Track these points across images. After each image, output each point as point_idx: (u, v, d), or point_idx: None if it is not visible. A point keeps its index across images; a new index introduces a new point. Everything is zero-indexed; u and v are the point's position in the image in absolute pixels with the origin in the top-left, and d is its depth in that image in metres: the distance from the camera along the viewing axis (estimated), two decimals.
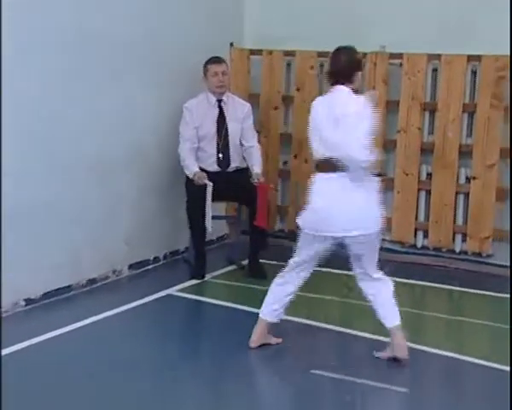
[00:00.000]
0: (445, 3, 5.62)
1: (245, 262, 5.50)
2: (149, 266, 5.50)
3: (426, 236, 5.77)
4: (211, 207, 5.14)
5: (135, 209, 5.32)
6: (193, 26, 5.65)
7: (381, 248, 5.76)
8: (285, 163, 6.18)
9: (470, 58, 5.45)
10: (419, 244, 5.81)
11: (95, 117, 4.86)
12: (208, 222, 5.15)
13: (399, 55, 5.67)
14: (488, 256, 5.62)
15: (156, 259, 5.57)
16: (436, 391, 3.76)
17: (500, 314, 4.77)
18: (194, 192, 5.20)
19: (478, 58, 5.43)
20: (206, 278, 5.28)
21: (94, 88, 4.83)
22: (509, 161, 5.46)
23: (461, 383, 3.93)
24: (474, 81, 5.54)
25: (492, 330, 4.56)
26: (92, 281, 5.00)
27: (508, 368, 3.89)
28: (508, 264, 5.51)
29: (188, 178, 5.28)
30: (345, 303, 4.89)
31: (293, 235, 6.10)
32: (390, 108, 5.76)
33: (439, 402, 3.67)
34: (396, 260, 5.72)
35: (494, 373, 3.91)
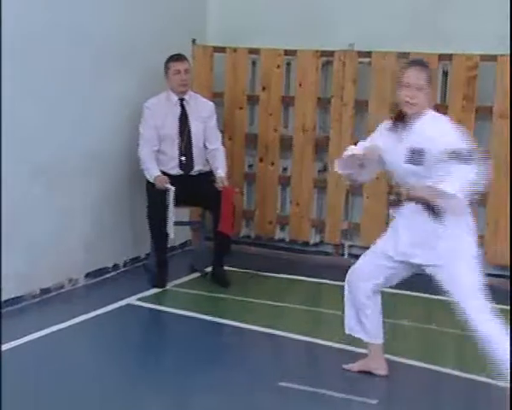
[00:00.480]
0: (415, 3, 5.56)
1: (209, 270, 5.40)
2: (108, 275, 5.35)
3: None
4: (173, 213, 5.01)
5: (93, 215, 5.15)
6: (153, 22, 5.52)
7: (349, 255, 5.86)
8: (250, 166, 6.06)
9: (441, 57, 5.38)
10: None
11: (50, 119, 4.69)
12: (170, 228, 5.04)
13: (368, 54, 5.58)
14: None
15: (115, 266, 5.43)
16: (406, 402, 3.67)
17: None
18: (155, 197, 5.07)
19: (449, 57, 5.36)
20: (167, 287, 5.17)
21: (48, 88, 4.65)
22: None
23: (433, 395, 3.83)
24: (446, 81, 5.47)
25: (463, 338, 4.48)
26: (45, 291, 4.81)
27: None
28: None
29: (148, 182, 5.15)
30: (312, 312, 4.79)
31: (259, 241, 6.08)
32: (359, 108, 5.66)
33: None
34: None
35: (466, 383, 3.84)
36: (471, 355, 4.02)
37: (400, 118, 3.56)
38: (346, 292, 3.80)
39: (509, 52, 5.18)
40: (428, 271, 3.58)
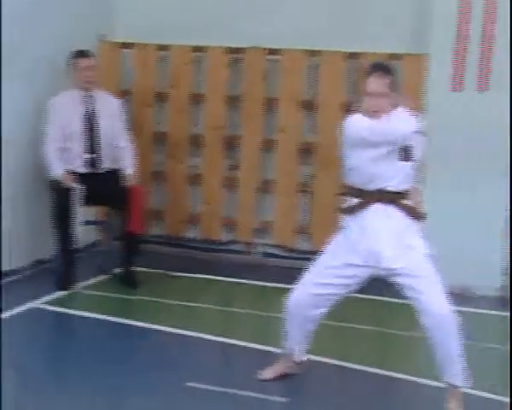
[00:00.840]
0: (324, 2, 5.65)
1: (118, 271, 5.33)
2: (11, 278, 5.19)
3: (307, 238, 5.75)
4: (79, 212, 4.91)
5: None
6: (58, 17, 5.40)
7: (260, 253, 5.89)
8: (159, 164, 6.02)
9: (349, 55, 5.48)
10: (300, 247, 5.78)
11: None
12: (77, 228, 4.93)
13: (278, 51, 5.63)
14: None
15: (18, 270, 5.27)
16: (317, 400, 3.70)
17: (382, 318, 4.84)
18: (60, 196, 4.97)
19: (357, 56, 5.47)
20: (74, 289, 5.08)
21: None
22: None
23: (345, 392, 3.89)
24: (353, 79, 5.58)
25: (380, 335, 4.59)
26: None
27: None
28: None
29: (53, 180, 5.05)
30: (225, 312, 4.80)
31: (170, 240, 6.03)
32: (268, 106, 5.70)
33: None
34: (278, 264, 5.68)
35: (380, 379, 3.92)
36: (391, 353, 4.15)
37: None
38: (289, 319, 3.65)
39: (415, 51, 5.33)
40: (394, 273, 3.48)
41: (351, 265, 3.50)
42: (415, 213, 3.48)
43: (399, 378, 3.87)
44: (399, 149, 3.42)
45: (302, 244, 5.76)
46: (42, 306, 4.73)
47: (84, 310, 4.71)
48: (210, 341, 4.30)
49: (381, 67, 3.49)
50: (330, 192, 5.62)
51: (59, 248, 5.14)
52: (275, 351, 3.91)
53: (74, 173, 5.05)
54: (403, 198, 3.48)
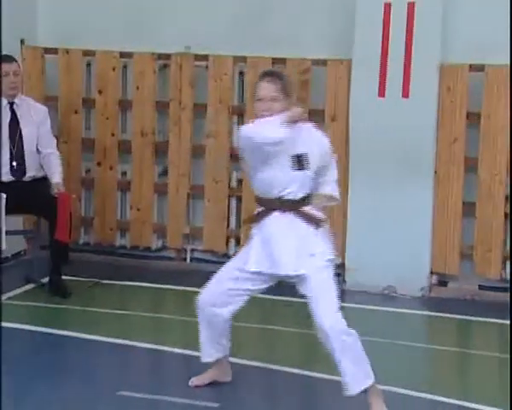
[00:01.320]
0: (247, 4, 5.70)
1: (45, 280, 5.26)
2: None
3: (238, 243, 5.81)
4: (4, 222, 4.82)
5: None
6: None
7: (191, 259, 5.91)
8: (88, 171, 5.97)
9: (275, 61, 5.57)
10: (231, 252, 5.84)
11: None
12: (2, 239, 4.83)
13: (205, 57, 5.67)
14: None
15: None
16: (248, 404, 3.76)
17: (309, 321, 4.92)
18: None
19: (283, 61, 5.56)
20: (1, 300, 4.93)
21: None
22: None
23: (276, 395, 3.95)
24: None
25: (299, 337, 4.65)
26: None
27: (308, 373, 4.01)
28: None
29: None
30: (156, 319, 4.80)
31: (99, 248, 5.98)
32: (197, 111, 5.74)
33: None
34: (209, 270, 5.70)
35: (307, 381, 4.00)
36: (318, 355, 4.21)
37: None
38: (202, 320, 3.68)
39: (338, 57, 5.45)
40: (296, 280, 3.56)
41: (253, 272, 3.57)
42: (314, 220, 3.56)
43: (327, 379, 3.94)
44: (292, 157, 3.50)
45: (233, 249, 5.83)
46: None
47: (11, 321, 4.56)
48: (141, 348, 4.30)
49: (271, 74, 3.58)
50: None
51: None
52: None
53: None
54: (302, 205, 3.55)
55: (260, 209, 3.61)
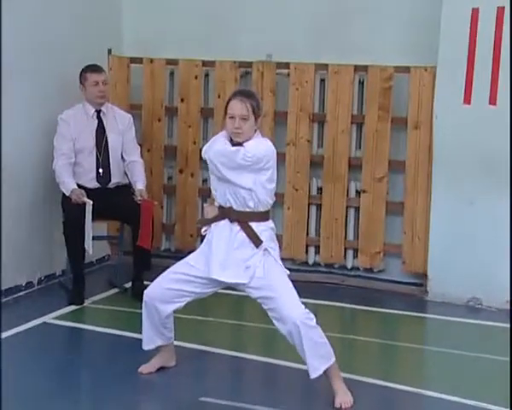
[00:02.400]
0: (328, 13, 5.69)
1: (128, 285, 5.37)
2: (22, 293, 5.25)
3: (317, 252, 5.80)
4: (91, 227, 4.96)
5: (5, 231, 5.02)
6: (67, 31, 5.47)
7: None
8: (170, 178, 6.07)
9: (357, 68, 5.55)
10: (310, 261, 5.83)
11: None
12: (88, 243, 4.98)
13: (286, 65, 5.69)
14: (380, 272, 5.70)
15: (29, 284, 5.33)
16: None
17: (390, 331, 4.92)
18: (71, 211, 5.02)
19: (365, 68, 5.53)
20: (85, 304, 5.12)
21: None
22: (395, 174, 5.58)
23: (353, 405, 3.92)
24: (362, 92, 5.64)
25: (383, 347, 4.62)
26: None
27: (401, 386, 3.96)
28: (399, 279, 5.65)
29: (65, 196, 5.10)
30: (234, 325, 4.84)
31: (180, 254, 6.06)
32: (278, 119, 5.76)
33: None
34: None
35: (388, 392, 3.95)
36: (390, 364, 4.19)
37: (236, 145, 3.71)
38: (144, 311, 3.93)
39: (422, 64, 5.38)
40: (246, 288, 3.75)
41: (197, 275, 3.79)
42: (253, 236, 3.69)
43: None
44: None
45: (313, 258, 5.81)
46: (52, 321, 4.78)
47: (95, 324, 4.75)
48: (222, 355, 4.34)
49: (243, 93, 3.71)
50: (338, 205, 5.70)
51: (70, 263, 5.20)
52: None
53: (85, 188, 5.10)
54: (251, 219, 3.69)
55: (213, 216, 3.80)
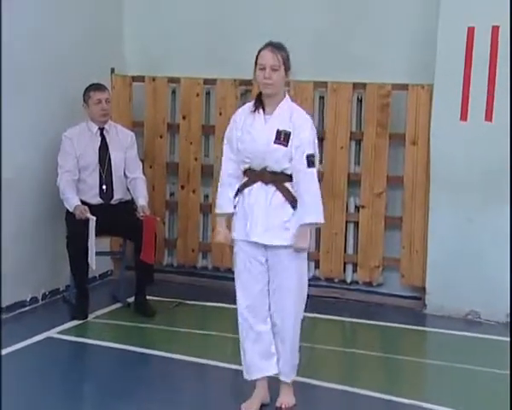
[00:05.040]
0: (327, 32, 5.73)
1: (131, 299, 5.38)
2: (26, 308, 5.25)
3: (317, 266, 5.80)
4: (94, 243, 4.97)
5: (8, 247, 5.03)
6: (71, 51, 5.51)
7: None
8: (172, 194, 6.09)
9: (356, 86, 5.58)
10: (310, 275, 5.83)
11: None
12: (92, 259, 5.00)
13: (287, 83, 5.68)
14: (379, 285, 5.71)
15: (33, 299, 5.33)
16: None
17: (389, 345, 4.92)
18: (75, 227, 5.04)
19: (363, 86, 5.56)
20: (89, 318, 5.13)
21: None
22: (393, 190, 5.60)
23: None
24: (361, 109, 5.67)
25: (383, 361, 4.62)
26: None
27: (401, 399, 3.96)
28: (398, 293, 5.65)
29: (68, 211, 5.12)
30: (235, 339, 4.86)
31: (182, 269, 6.09)
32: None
33: None
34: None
35: (388, 406, 3.95)
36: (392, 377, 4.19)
37: (260, 100, 3.70)
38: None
39: (419, 81, 5.41)
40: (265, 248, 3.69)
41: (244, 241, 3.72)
42: (291, 197, 3.64)
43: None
44: (278, 131, 3.61)
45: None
46: (57, 335, 4.79)
47: (99, 339, 4.77)
48: (222, 368, 4.34)
49: (274, 44, 3.68)
50: (337, 220, 5.70)
51: (74, 278, 5.21)
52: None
53: (89, 205, 5.12)
54: (284, 180, 3.64)
55: (244, 180, 3.73)
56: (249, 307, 3.73)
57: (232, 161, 3.77)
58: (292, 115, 3.67)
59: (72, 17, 5.52)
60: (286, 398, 3.80)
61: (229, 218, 3.81)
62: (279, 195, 3.64)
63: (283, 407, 3.77)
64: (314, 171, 3.66)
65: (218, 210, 3.84)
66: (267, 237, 3.65)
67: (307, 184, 3.63)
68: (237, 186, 3.73)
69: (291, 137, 3.61)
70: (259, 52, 3.66)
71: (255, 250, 3.70)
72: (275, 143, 3.61)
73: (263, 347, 3.75)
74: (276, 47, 3.66)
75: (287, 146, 3.61)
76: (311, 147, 3.64)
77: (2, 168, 4.96)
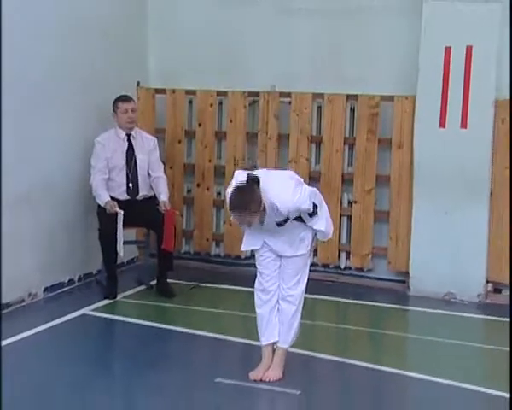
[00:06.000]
0: (324, 51, 5.80)
1: (153, 282, 5.46)
2: (64, 289, 5.36)
3: (315, 254, 5.89)
4: (122, 234, 5.08)
5: (51, 237, 5.19)
6: (102, 66, 5.60)
7: None
8: (189, 191, 6.19)
9: (349, 97, 5.67)
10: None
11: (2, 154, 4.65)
12: (120, 247, 5.10)
13: (288, 94, 5.81)
14: (369, 271, 5.81)
15: (71, 281, 5.44)
16: (327, 392, 3.83)
17: (377, 322, 5.01)
18: (106, 220, 5.14)
19: (355, 97, 5.65)
20: (117, 298, 5.21)
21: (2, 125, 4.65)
22: (381, 187, 5.68)
23: (346, 384, 4.02)
24: (353, 117, 5.76)
25: (372, 335, 4.72)
26: (6, 305, 4.79)
27: (387, 369, 4.05)
28: (386, 277, 5.74)
29: (100, 206, 5.21)
30: (247, 317, 4.92)
31: (198, 256, 6.18)
32: (281, 141, 5.88)
33: (328, 402, 3.76)
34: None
35: (375, 374, 4.04)
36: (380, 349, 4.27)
37: None
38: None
39: (403, 93, 5.49)
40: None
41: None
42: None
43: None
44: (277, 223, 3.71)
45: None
46: (91, 312, 4.89)
47: (127, 316, 4.86)
48: (233, 342, 4.42)
49: (238, 206, 3.54)
50: (333, 214, 5.78)
51: (104, 264, 5.31)
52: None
53: (117, 200, 5.23)
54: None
55: None
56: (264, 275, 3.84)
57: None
58: (276, 208, 3.62)
59: (106, 39, 5.62)
60: (272, 372, 3.79)
61: None
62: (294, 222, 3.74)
63: (267, 380, 3.76)
64: (319, 212, 3.78)
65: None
66: (288, 252, 3.78)
67: (319, 221, 3.80)
68: None
69: (289, 216, 3.71)
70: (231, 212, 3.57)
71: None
72: (279, 226, 3.72)
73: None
74: (242, 208, 3.49)
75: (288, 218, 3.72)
76: (304, 203, 3.69)
77: (48, 172, 5.09)
